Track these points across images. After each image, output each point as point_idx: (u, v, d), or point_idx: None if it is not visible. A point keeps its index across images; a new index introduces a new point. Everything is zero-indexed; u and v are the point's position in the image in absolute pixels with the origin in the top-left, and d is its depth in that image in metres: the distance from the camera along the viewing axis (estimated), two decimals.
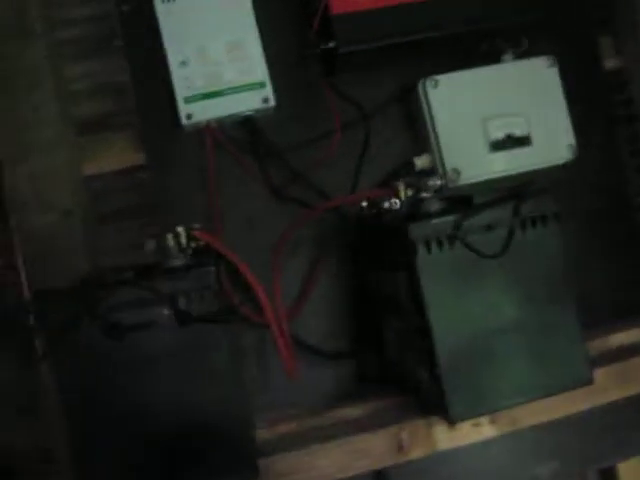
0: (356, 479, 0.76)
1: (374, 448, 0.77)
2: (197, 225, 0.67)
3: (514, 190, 0.70)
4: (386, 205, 0.74)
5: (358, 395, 0.83)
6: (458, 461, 0.79)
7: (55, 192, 0.87)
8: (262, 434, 0.79)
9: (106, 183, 0.91)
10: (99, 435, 0.65)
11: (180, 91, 0.82)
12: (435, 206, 0.68)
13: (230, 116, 0.84)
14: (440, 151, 0.84)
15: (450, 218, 0.67)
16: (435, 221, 0.67)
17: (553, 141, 0.86)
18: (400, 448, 0.77)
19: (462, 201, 0.69)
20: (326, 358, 0.84)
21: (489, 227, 0.68)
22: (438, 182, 0.68)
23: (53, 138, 0.88)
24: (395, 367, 0.80)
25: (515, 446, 0.81)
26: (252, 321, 0.78)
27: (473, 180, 0.84)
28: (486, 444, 0.79)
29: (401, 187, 0.70)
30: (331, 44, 0.81)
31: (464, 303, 0.69)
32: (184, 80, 0.83)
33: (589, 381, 0.71)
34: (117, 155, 0.90)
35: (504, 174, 0.85)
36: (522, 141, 0.85)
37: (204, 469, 0.65)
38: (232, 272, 0.70)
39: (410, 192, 0.70)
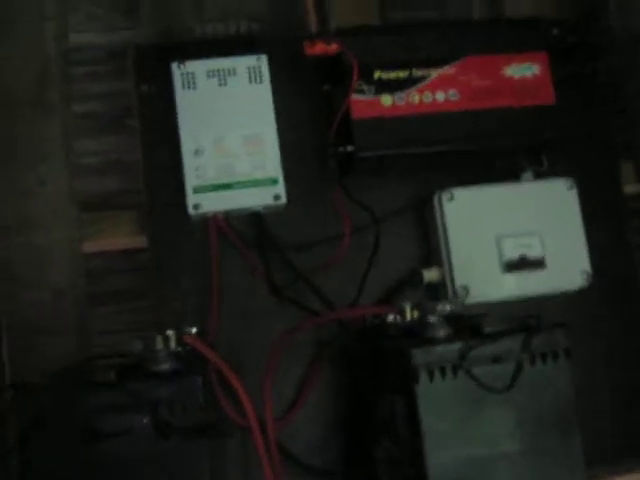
0: None
1: None
2: (189, 329, 0.64)
3: (525, 321, 0.66)
4: (390, 318, 0.71)
5: None
6: None
7: (51, 269, 0.84)
8: None
9: (105, 263, 0.89)
10: None
11: (190, 180, 0.80)
12: (441, 332, 0.65)
13: (239, 210, 0.81)
14: (451, 266, 0.81)
15: (456, 346, 0.63)
16: (440, 348, 0.63)
17: (568, 266, 0.83)
18: None
19: (470, 327, 0.66)
20: (313, 473, 0.79)
21: (496, 359, 0.64)
22: (447, 307, 0.65)
23: (56, 212, 0.86)
24: None
25: None
26: (238, 426, 0.73)
27: (482, 300, 0.81)
28: None
29: (407, 308, 0.67)
30: (349, 148, 0.80)
31: (463, 434, 0.64)
32: (195, 169, 0.81)
33: None
34: (119, 236, 0.88)
35: (515, 296, 0.82)
36: (536, 264, 0.82)
37: None
38: (223, 378, 0.67)
39: (416, 313, 0.67)
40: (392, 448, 0.72)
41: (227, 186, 0.81)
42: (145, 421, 0.58)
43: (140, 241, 0.87)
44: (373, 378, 0.74)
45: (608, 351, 0.89)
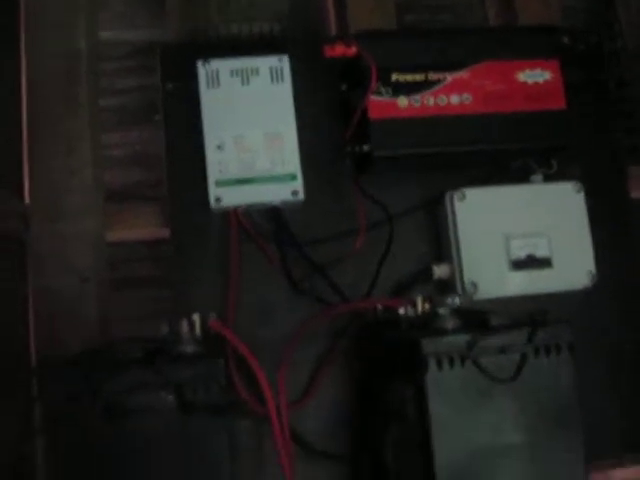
0: None
1: None
2: (213, 314, 0.67)
3: (531, 316, 0.69)
4: (401, 311, 0.75)
5: None
6: None
7: (77, 256, 0.88)
8: None
9: (128, 252, 0.93)
10: None
11: (212, 174, 0.84)
12: (450, 323, 0.68)
13: (258, 204, 0.85)
14: (460, 263, 0.84)
15: (464, 337, 0.66)
16: (449, 339, 0.67)
17: (573, 266, 0.87)
18: None
19: (478, 320, 0.69)
20: (323, 457, 0.83)
21: (502, 350, 0.67)
22: (457, 301, 0.68)
23: (83, 203, 0.89)
24: (391, 477, 0.79)
25: None
26: (254, 414, 0.77)
27: (490, 296, 0.84)
28: None
29: (419, 300, 0.70)
30: (365, 147, 0.83)
31: (469, 423, 0.68)
32: (218, 164, 0.84)
33: None
34: (142, 226, 0.91)
35: (521, 294, 0.85)
36: (543, 263, 0.85)
37: None
38: (242, 362, 0.70)
39: (427, 306, 0.70)
40: (400, 436, 0.75)
41: (248, 181, 0.84)
42: (169, 399, 0.61)
43: (162, 232, 0.90)
44: (384, 367, 0.77)
45: (611, 349, 0.92)
